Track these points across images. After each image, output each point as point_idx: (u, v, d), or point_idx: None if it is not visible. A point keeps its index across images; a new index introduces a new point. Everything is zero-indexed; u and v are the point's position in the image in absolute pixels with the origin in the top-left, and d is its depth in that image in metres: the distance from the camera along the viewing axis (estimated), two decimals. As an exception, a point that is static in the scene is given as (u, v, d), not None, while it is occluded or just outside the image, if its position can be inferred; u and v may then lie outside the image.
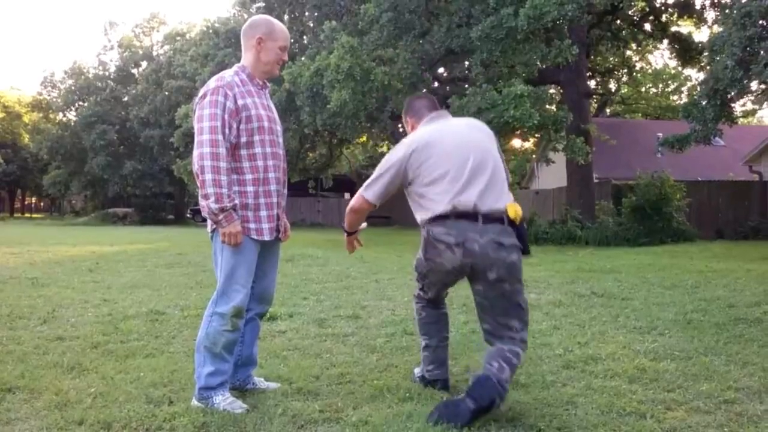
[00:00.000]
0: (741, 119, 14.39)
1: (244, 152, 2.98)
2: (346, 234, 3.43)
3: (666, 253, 11.96)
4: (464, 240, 2.89)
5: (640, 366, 3.57)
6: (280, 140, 3.18)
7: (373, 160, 23.21)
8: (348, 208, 3.34)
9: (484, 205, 2.93)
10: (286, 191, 3.22)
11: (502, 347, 2.94)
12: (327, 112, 17.20)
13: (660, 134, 22.34)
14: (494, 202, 2.96)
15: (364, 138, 22.58)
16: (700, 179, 19.65)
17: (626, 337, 4.39)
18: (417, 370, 3.40)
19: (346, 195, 34.06)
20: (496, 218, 2.94)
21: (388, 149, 29.78)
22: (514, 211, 2.97)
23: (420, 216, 3.08)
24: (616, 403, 2.95)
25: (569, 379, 3.34)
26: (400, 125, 21.52)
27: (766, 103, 13.06)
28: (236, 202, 2.92)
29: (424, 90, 17.43)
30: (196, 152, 2.89)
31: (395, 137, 21.70)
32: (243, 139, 2.96)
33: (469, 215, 2.91)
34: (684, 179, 16.88)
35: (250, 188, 2.98)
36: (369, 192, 3.20)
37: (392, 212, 29.42)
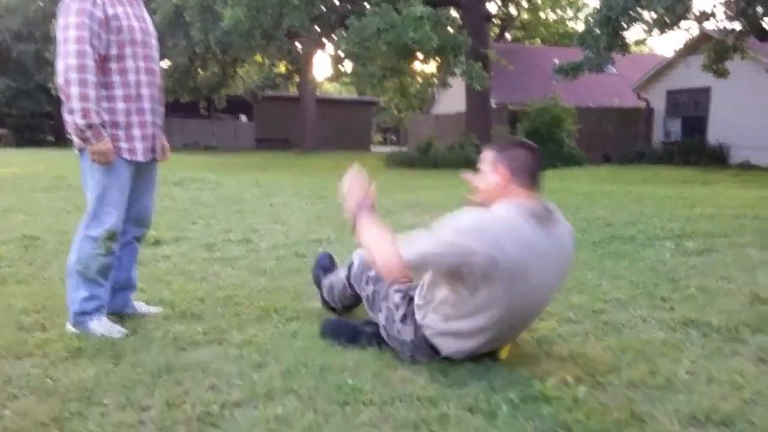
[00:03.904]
0: (633, 48, 14.89)
1: (114, 66, 2.76)
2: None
3: (556, 176, 12.44)
4: None
5: (520, 281, 3.73)
6: (155, 54, 2.97)
7: (269, 81, 22.31)
8: (373, 258, 2.36)
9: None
10: (162, 109, 3.04)
11: None
12: (220, 30, 16.37)
13: (557, 61, 22.87)
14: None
15: (260, 58, 21.75)
16: (591, 105, 20.43)
17: (510, 255, 4.56)
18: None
19: (243, 117, 32.81)
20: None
21: (287, 70, 28.24)
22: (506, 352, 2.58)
23: (432, 315, 2.45)
24: (494, 317, 3.07)
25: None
26: (297, 43, 20.74)
27: (655, 30, 13.54)
28: (105, 118, 2.73)
29: (323, 8, 16.79)
30: (60, 63, 2.65)
31: (292, 56, 20.97)
32: (113, 52, 2.75)
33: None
34: (577, 105, 17.48)
35: (120, 105, 2.78)
36: (411, 256, 2.27)
37: (291, 135, 28.90)
